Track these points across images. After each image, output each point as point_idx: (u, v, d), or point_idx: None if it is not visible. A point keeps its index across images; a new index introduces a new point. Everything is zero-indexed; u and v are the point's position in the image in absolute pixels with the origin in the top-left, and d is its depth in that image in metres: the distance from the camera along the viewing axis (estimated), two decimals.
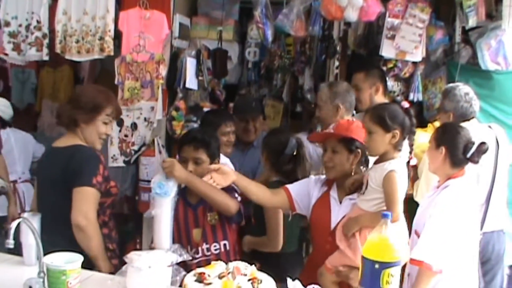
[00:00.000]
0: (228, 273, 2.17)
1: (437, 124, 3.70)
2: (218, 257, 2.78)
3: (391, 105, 2.68)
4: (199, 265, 2.67)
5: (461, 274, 2.75)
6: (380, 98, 3.80)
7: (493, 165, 3.48)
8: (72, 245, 2.54)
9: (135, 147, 3.87)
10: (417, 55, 3.99)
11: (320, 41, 4.95)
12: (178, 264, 2.49)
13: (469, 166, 2.77)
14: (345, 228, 2.59)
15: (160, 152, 3.89)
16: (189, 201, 3.02)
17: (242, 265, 2.23)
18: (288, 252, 3.28)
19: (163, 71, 3.77)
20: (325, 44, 4.86)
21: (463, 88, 3.59)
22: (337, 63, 4.90)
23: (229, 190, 2.93)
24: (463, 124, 2.94)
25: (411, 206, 2.88)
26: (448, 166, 2.74)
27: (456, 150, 2.72)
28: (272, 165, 3.29)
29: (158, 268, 2.29)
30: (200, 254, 2.94)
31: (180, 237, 2.97)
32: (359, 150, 2.75)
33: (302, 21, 4.06)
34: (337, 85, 3.71)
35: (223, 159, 3.24)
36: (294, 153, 3.25)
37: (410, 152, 2.69)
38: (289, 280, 2.17)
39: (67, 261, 2.22)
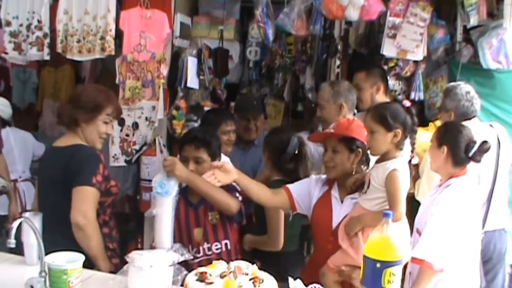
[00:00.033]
0: (230, 272, 2.16)
1: (438, 123, 3.69)
2: (219, 257, 2.78)
3: (393, 104, 2.67)
4: (200, 264, 2.68)
5: (463, 273, 2.75)
6: (381, 98, 3.80)
7: (495, 164, 3.48)
8: (73, 245, 2.55)
9: (136, 147, 3.87)
10: (418, 54, 3.98)
11: (321, 40, 4.95)
12: (179, 263, 2.49)
13: (471, 165, 2.77)
14: (347, 227, 2.59)
15: (161, 151, 3.89)
16: (190, 201, 3.02)
17: (243, 264, 2.23)
18: (289, 251, 3.28)
19: (164, 70, 3.77)
20: (326, 43, 4.86)
21: (464, 87, 3.58)
22: (338, 62, 4.91)
23: (230, 189, 2.93)
24: (464, 123, 2.94)
25: (412, 205, 2.88)
26: (450, 165, 2.74)
27: (458, 149, 2.71)
28: (273, 164, 3.29)
29: (160, 267, 2.29)
30: (201, 254, 2.95)
31: (181, 236, 2.97)
32: (360, 149, 2.75)
33: (303, 20, 4.05)
34: (339, 84, 3.71)
35: (224, 158, 3.24)
36: (296, 152, 3.24)
37: (412, 151, 2.69)
38: (290, 279, 2.18)
39: (68, 261, 2.23)
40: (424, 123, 3.86)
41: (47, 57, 3.92)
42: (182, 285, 2.36)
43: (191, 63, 4.05)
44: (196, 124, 4.08)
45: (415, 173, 3.46)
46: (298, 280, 2.17)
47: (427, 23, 3.94)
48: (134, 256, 2.31)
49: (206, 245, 2.96)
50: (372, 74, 3.89)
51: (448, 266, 2.58)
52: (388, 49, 4.01)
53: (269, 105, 5.56)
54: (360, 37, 4.76)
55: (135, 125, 3.83)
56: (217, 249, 2.96)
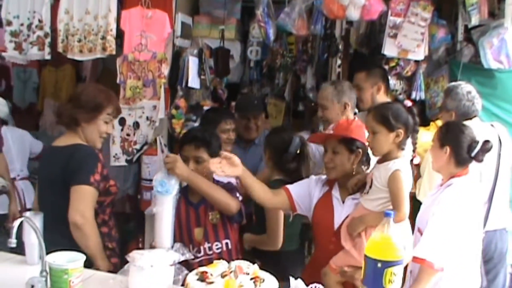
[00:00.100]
0: (231, 272, 2.16)
1: (439, 122, 3.69)
2: (220, 256, 2.77)
3: (394, 104, 2.66)
4: (201, 264, 2.68)
5: (463, 272, 2.75)
6: (382, 97, 3.79)
7: (496, 164, 3.48)
8: (73, 244, 2.56)
9: (137, 146, 3.87)
10: (419, 53, 3.98)
11: (322, 40, 4.95)
12: (180, 263, 2.49)
13: (472, 164, 2.77)
14: (350, 228, 2.58)
15: (162, 151, 3.89)
16: (190, 200, 3.02)
17: (244, 264, 2.23)
18: (290, 251, 3.28)
19: (165, 70, 3.76)
20: (327, 43, 4.86)
21: (465, 87, 3.58)
22: (339, 62, 4.91)
23: (231, 189, 2.93)
24: (465, 123, 2.94)
25: (413, 205, 2.87)
26: (453, 165, 2.74)
27: (460, 150, 2.71)
28: (274, 163, 3.28)
29: (160, 267, 2.29)
30: (202, 253, 2.95)
31: (182, 236, 2.97)
32: (360, 150, 2.74)
33: (304, 20, 4.05)
34: (341, 84, 3.71)
35: None
36: (298, 152, 3.24)
37: (413, 151, 2.68)
38: (291, 279, 2.18)
39: (69, 260, 2.23)
40: (425, 122, 3.86)
41: (48, 57, 3.92)
42: (183, 284, 2.36)
43: (192, 63, 4.05)
44: (195, 124, 4.08)
45: (416, 173, 3.45)
46: (299, 280, 2.17)
47: (428, 22, 3.94)
48: (135, 256, 2.31)
49: (206, 245, 2.96)
50: (373, 74, 3.88)
51: (449, 266, 2.59)
52: (389, 49, 4.01)
53: (270, 104, 5.56)
54: (361, 36, 4.76)
55: (136, 125, 3.83)
56: (217, 248, 2.96)
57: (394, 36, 3.96)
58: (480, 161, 2.74)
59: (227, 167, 2.69)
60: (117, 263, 2.85)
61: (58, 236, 2.60)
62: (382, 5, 3.77)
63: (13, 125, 5.08)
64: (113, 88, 3.41)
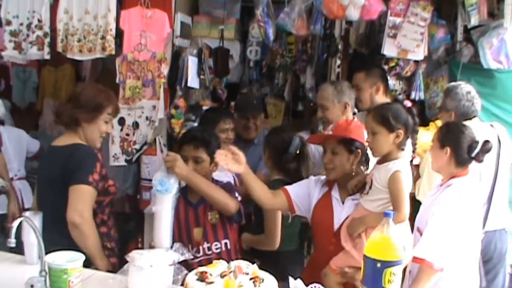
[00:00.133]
0: (230, 272, 2.17)
1: (438, 123, 3.69)
2: (219, 256, 2.77)
3: (394, 104, 2.66)
4: (200, 264, 2.67)
5: (462, 272, 2.75)
6: (381, 98, 3.79)
7: (495, 164, 3.48)
8: (72, 244, 2.57)
9: (137, 146, 3.87)
10: (419, 53, 3.98)
11: (321, 40, 4.94)
12: (179, 263, 2.49)
13: (472, 164, 2.77)
14: (350, 228, 2.58)
15: (161, 151, 3.89)
16: (189, 200, 3.02)
17: (244, 264, 2.23)
18: (289, 250, 3.28)
19: (165, 70, 3.76)
20: (326, 43, 4.85)
21: (465, 87, 3.58)
22: (338, 62, 4.90)
23: (230, 189, 2.93)
24: (465, 123, 2.94)
25: (413, 205, 2.87)
26: (453, 165, 2.74)
27: (460, 150, 2.71)
28: (274, 163, 3.28)
29: (160, 267, 2.29)
30: (201, 253, 2.95)
31: (181, 236, 2.97)
32: (359, 150, 2.75)
33: (304, 20, 4.05)
34: (341, 84, 3.71)
35: None
36: (298, 152, 3.24)
37: (413, 151, 2.68)
38: (290, 279, 2.17)
39: (68, 260, 2.23)
40: (424, 123, 3.85)
41: (47, 57, 3.92)
42: (182, 284, 2.36)
43: (192, 63, 4.05)
44: (194, 124, 4.08)
45: (416, 173, 3.46)
46: (299, 280, 2.17)
47: (428, 22, 3.94)
48: (134, 256, 2.31)
49: (206, 245, 2.95)
50: (372, 74, 3.87)
51: (448, 266, 2.59)
52: (389, 49, 4.01)
53: (269, 104, 5.55)
54: (360, 36, 4.76)
55: (136, 125, 3.83)
56: (217, 248, 2.96)
57: (394, 36, 3.96)
58: (480, 161, 2.74)
59: (232, 162, 2.70)
60: (116, 263, 2.86)
61: (57, 235, 2.60)
62: (381, 5, 3.77)
63: (12, 125, 5.08)
64: (113, 88, 3.41)
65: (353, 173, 2.76)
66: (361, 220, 2.55)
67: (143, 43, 3.70)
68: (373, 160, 2.74)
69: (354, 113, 3.68)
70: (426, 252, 2.55)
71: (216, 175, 3.11)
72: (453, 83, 3.75)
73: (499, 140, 3.51)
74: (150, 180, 3.20)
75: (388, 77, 4.18)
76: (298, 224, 3.32)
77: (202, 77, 4.22)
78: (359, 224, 2.54)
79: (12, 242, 2.18)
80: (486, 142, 2.73)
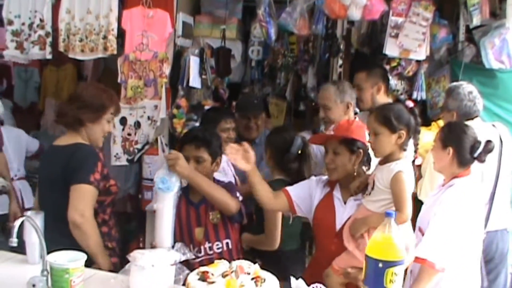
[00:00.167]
0: (232, 272, 2.17)
1: (440, 122, 3.69)
2: (220, 256, 2.78)
3: (396, 105, 2.66)
4: (201, 264, 2.67)
5: (464, 272, 2.74)
6: (382, 98, 3.78)
7: (497, 164, 3.47)
8: (73, 243, 2.57)
9: (139, 146, 3.87)
10: (421, 53, 3.98)
11: (323, 40, 4.94)
12: (181, 262, 2.49)
13: (474, 164, 2.77)
14: (352, 229, 2.57)
15: (163, 150, 3.89)
16: (191, 200, 3.02)
17: (245, 263, 2.23)
18: (290, 250, 3.28)
19: (167, 69, 3.77)
20: (328, 43, 4.86)
21: (467, 87, 3.58)
22: (340, 62, 4.91)
23: (231, 189, 2.93)
24: (467, 123, 2.93)
25: (414, 205, 2.87)
26: (455, 166, 2.73)
27: (463, 151, 2.70)
28: (276, 163, 3.28)
29: (161, 266, 2.29)
30: (202, 253, 2.95)
31: (182, 236, 2.97)
32: (361, 150, 2.74)
33: (306, 20, 4.04)
34: (342, 84, 3.70)
35: (223, 157, 3.24)
36: (299, 152, 3.23)
37: (415, 151, 2.68)
38: (292, 279, 2.17)
39: (70, 260, 2.24)
40: (426, 122, 3.85)
41: (49, 56, 3.93)
42: (184, 284, 2.36)
43: (193, 62, 4.04)
44: (196, 124, 4.08)
45: (418, 173, 3.45)
46: (300, 280, 2.17)
47: (430, 22, 3.93)
48: (136, 255, 2.31)
49: (207, 245, 2.95)
50: (373, 74, 3.87)
51: (450, 266, 2.58)
52: (391, 49, 4.00)
53: (271, 104, 5.56)
54: (362, 36, 4.75)
55: (137, 124, 3.83)
56: (218, 248, 2.96)
57: (396, 36, 3.96)
58: (483, 161, 2.74)
59: (239, 157, 2.72)
60: (117, 263, 2.86)
61: (58, 234, 2.60)
62: (383, 5, 3.77)
63: (14, 125, 5.09)
64: (114, 88, 3.42)
65: (355, 173, 2.76)
66: (363, 220, 2.54)
67: (145, 43, 3.71)
68: (374, 160, 2.74)
69: (355, 113, 3.68)
70: (428, 252, 2.55)
71: (216, 175, 3.10)
72: (455, 83, 3.74)
73: (501, 140, 3.50)
74: (152, 180, 3.20)
75: (390, 77, 4.18)
76: (300, 223, 3.32)
77: (204, 77, 4.21)
78: (361, 225, 2.53)
79: (14, 241, 2.19)
80: (488, 142, 2.72)
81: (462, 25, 4.24)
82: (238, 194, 2.93)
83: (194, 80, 4.07)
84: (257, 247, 3.26)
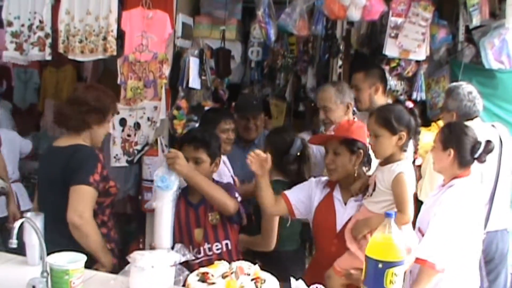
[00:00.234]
0: (232, 272, 2.17)
1: (440, 123, 3.69)
2: (220, 257, 2.78)
3: (396, 106, 2.66)
4: (201, 265, 2.68)
5: (463, 273, 2.75)
6: (380, 98, 3.78)
7: (497, 164, 3.48)
8: (72, 244, 2.57)
9: (138, 147, 3.87)
10: (421, 54, 3.97)
11: (323, 41, 4.94)
12: (180, 264, 2.49)
13: (473, 165, 2.77)
14: (354, 230, 2.57)
15: (163, 151, 3.88)
16: (190, 201, 3.02)
17: (245, 264, 2.23)
18: (290, 251, 3.28)
19: (166, 70, 3.76)
20: (328, 44, 4.85)
21: (466, 87, 3.58)
22: (340, 63, 4.90)
23: (230, 189, 2.93)
24: (466, 124, 2.93)
25: (415, 205, 2.88)
26: (456, 167, 2.74)
27: (464, 152, 2.70)
28: (275, 164, 3.26)
29: (161, 267, 2.29)
30: (202, 254, 2.95)
31: (182, 237, 2.97)
32: (361, 151, 2.74)
33: (305, 21, 4.04)
34: (341, 85, 3.70)
35: (222, 157, 3.24)
36: (299, 154, 3.23)
37: (415, 152, 2.68)
38: (292, 280, 2.17)
39: (70, 261, 2.23)
40: (426, 123, 3.85)
41: (48, 57, 3.92)
42: (183, 285, 2.36)
43: (193, 63, 4.04)
44: (196, 124, 4.07)
45: (418, 174, 3.45)
46: (300, 281, 2.17)
47: (429, 22, 3.93)
48: (136, 257, 2.31)
49: (206, 246, 2.95)
50: (371, 74, 3.86)
51: (449, 266, 2.58)
52: (390, 49, 4.00)
53: (271, 105, 5.56)
54: (362, 37, 4.75)
55: (137, 125, 3.82)
56: (217, 249, 2.96)
57: (395, 36, 3.96)
58: (483, 162, 2.74)
59: (256, 162, 2.76)
60: (116, 264, 2.86)
61: (57, 235, 2.60)
62: (383, 5, 3.76)
63: (14, 126, 5.08)
64: (114, 89, 3.41)
65: (355, 174, 2.76)
66: (365, 222, 2.53)
67: (144, 44, 3.71)
68: (375, 161, 2.73)
69: (354, 113, 3.68)
70: (428, 253, 2.55)
71: (213, 176, 3.10)
72: (454, 84, 3.75)
73: (500, 140, 3.51)
74: (152, 181, 3.20)
75: (390, 78, 4.18)
76: (299, 224, 3.31)
77: (203, 77, 4.21)
78: (363, 226, 2.53)
79: (13, 243, 2.18)
80: (489, 142, 2.72)
81: (461, 26, 4.24)
82: (237, 195, 2.93)
83: (194, 81, 4.06)
84: (253, 248, 3.26)
